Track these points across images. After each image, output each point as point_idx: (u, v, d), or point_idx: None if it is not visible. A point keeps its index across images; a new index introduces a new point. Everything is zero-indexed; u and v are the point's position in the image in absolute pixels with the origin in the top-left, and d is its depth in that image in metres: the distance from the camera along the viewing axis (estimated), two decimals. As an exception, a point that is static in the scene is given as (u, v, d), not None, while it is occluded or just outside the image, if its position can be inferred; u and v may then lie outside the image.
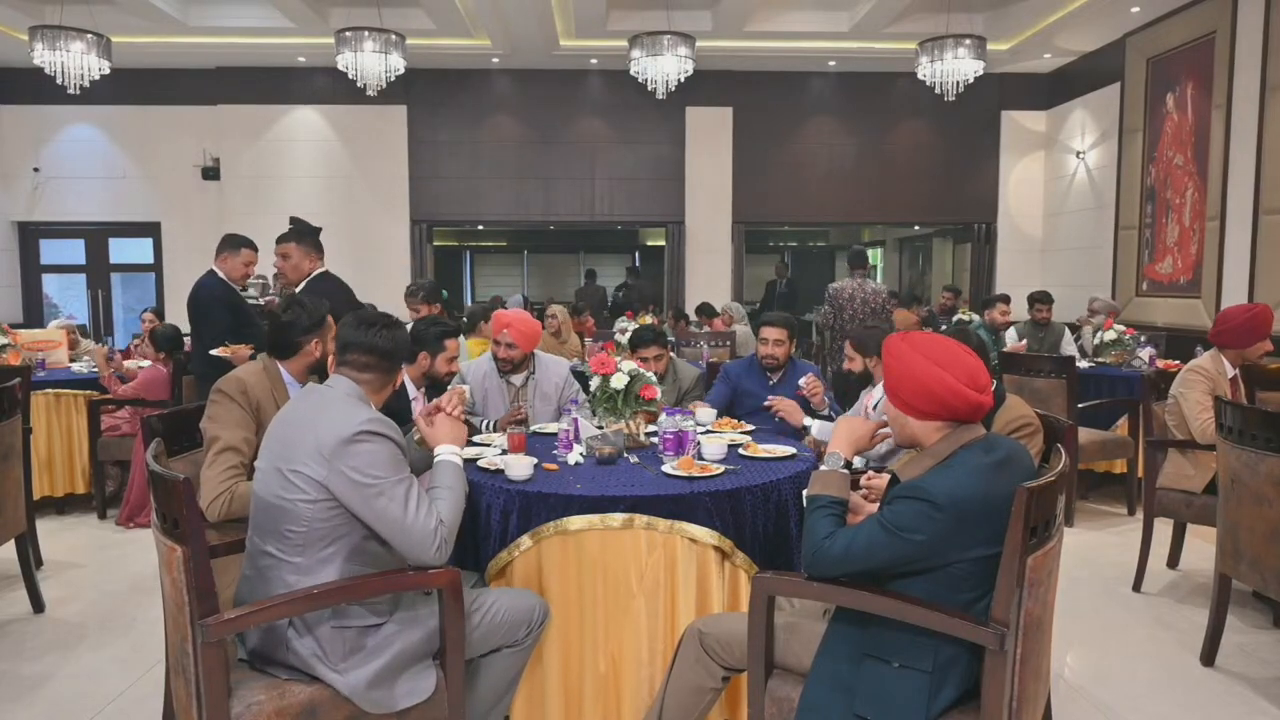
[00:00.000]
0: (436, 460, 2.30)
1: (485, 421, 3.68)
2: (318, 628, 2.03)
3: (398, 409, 3.37)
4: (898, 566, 1.87)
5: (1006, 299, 7.18)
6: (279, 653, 2.05)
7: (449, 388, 3.40)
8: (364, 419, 2.04)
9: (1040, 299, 6.73)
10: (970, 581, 1.85)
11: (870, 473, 2.17)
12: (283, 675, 2.05)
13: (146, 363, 5.64)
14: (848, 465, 2.08)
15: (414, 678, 2.08)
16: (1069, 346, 6.57)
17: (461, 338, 4.20)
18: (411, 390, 3.47)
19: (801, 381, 3.89)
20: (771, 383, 4.08)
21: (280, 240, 4.20)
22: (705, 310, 8.97)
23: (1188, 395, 3.82)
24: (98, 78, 6.96)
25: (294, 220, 4.23)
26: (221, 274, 4.40)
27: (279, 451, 2.07)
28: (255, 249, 4.53)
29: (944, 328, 8.68)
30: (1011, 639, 1.77)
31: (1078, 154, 9.30)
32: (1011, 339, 6.70)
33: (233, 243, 4.46)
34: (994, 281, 10.10)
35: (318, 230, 4.41)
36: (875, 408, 3.58)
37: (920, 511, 1.81)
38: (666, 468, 2.72)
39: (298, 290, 4.00)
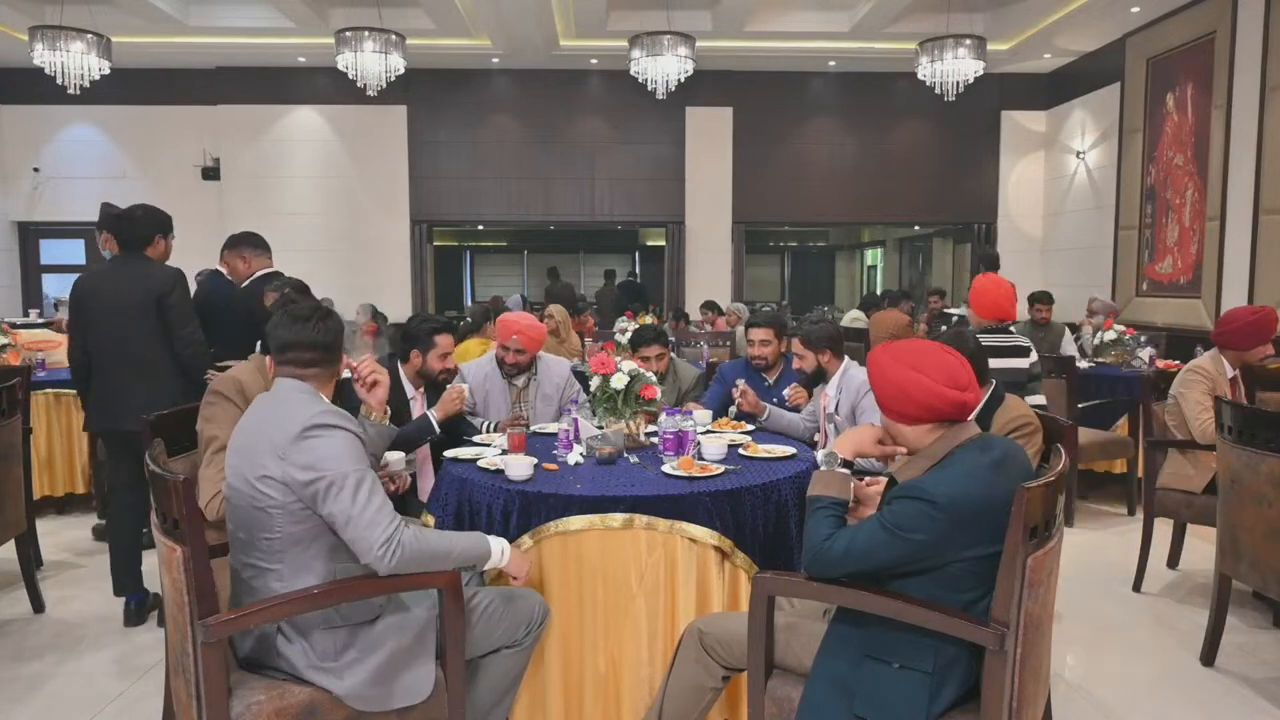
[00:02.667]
0: (485, 539, 2.23)
1: (486, 423, 3.68)
2: (309, 633, 2.02)
3: (396, 408, 3.37)
4: (898, 566, 1.87)
5: None
6: (270, 659, 2.04)
7: (449, 387, 3.40)
8: (316, 412, 2.01)
9: (1040, 299, 6.71)
10: (970, 581, 1.85)
11: (867, 479, 2.16)
12: (280, 675, 2.05)
13: None
14: (848, 465, 2.07)
15: (412, 676, 2.08)
16: (1069, 346, 6.56)
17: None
18: (409, 389, 3.46)
19: (786, 392, 3.88)
20: (768, 383, 4.07)
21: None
22: (711, 307, 9.00)
23: (1188, 395, 3.82)
24: (98, 78, 6.96)
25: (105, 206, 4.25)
26: (226, 272, 4.42)
27: (241, 462, 2.04)
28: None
29: (944, 329, 8.71)
30: (1011, 639, 1.77)
31: (1078, 154, 9.30)
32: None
33: (261, 243, 4.45)
34: (994, 281, 10.09)
35: (122, 216, 4.46)
36: (837, 409, 3.56)
37: (920, 511, 1.82)
38: (666, 468, 2.72)
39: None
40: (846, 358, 3.73)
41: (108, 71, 7.02)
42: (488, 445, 3.11)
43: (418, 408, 3.43)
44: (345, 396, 3.34)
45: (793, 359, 4.07)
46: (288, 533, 1.99)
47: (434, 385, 3.49)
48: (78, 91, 6.94)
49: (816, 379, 3.74)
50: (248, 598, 2.06)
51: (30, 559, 3.76)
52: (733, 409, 3.72)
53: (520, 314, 4.03)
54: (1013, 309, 4.18)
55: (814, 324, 3.75)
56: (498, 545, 2.23)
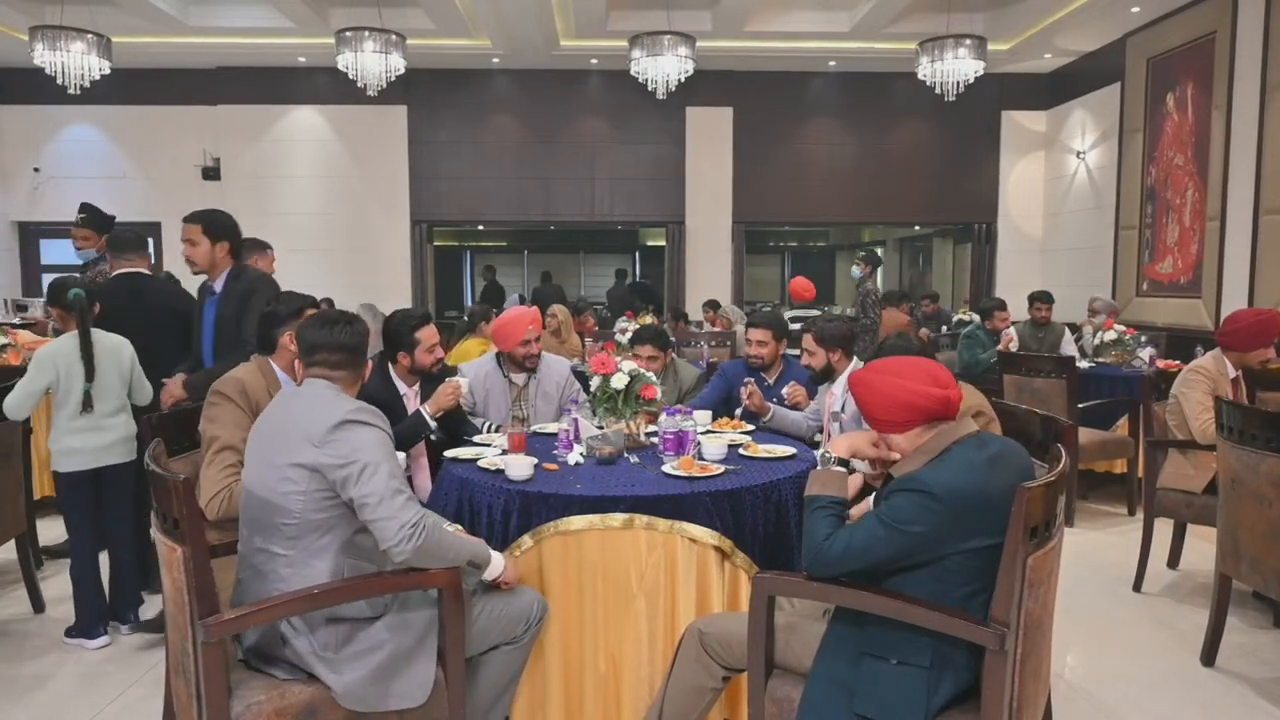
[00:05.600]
0: (489, 548, 2.31)
1: (486, 423, 3.67)
2: (314, 625, 2.04)
3: (389, 404, 3.35)
4: (897, 561, 1.88)
5: (1003, 305, 7.10)
6: (276, 649, 2.05)
7: (446, 380, 3.36)
8: (353, 407, 2.11)
9: (1040, 299, 6.70)
10: (968, 575, 1.86)
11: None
12: (281, 675, 2.05)
13: None
14: (843, 464, 2.08)
15: (411, 678, 2.08)
16: (1069, 346, 6.56)
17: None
18: (402, 387, 3.42)
19: (784, 391, 3.86)
20: (768, 382, 4.06)
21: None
22: (714, 306, 9.01)
23: (1189, 395, 3.82)
24: (98, 78, 6.96)
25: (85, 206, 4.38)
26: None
27: (267, 448, 2.11)
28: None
29: (944, 330, 8.73)
30: (1012, 639, 1.77)
31: (1078, 154, 9.29)
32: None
33: (260, 245, 4.71)
34: (994, 282, 10.10)
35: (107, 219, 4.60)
36: (843, 408, 3.55)
37: (918, 503, 1.84)
38: (667, 468, 2.72)
39: None
40: (855, 358, 3.70)
41: (108, 71, 7.01)
42: (488, 445, 3.11)
43: (411, 404, 3.41)
44: (387, 405, 3.33)
45: (793, 360, 4.06)
46: (306, 520, 2.04)
47: (430, 379, 3.45)
48: (78, 91, 6.93)
49: (823, 376, 3.71)
50: (254, 583, 2.08)
51: (30, 559, 3.76)
52: (742, 405, 3.70)
53: (516, 309, 3.99)
54: (811, 294, 7.66)
55: (828, 321, 3.69)
56: (498, 557, 2.30)
